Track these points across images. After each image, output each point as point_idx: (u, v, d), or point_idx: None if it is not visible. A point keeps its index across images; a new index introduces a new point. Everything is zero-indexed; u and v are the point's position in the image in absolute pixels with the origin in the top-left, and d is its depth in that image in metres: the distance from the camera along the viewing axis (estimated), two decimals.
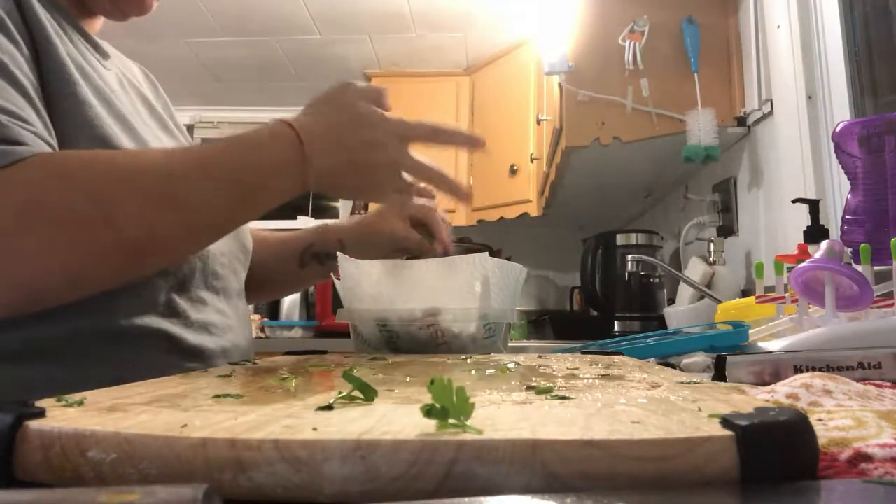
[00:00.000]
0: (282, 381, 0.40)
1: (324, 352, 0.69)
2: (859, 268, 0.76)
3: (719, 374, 0.52)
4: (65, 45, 0.65)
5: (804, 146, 1.41)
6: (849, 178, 0.93)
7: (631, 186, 2.24)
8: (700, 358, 0.61)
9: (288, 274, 0.96)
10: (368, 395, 0.31)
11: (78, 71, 0.64)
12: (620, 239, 2.08)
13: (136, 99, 0.77)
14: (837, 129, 0.94)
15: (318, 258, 0.94)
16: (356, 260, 0.77)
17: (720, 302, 1.26)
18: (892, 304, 0.73)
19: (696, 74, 1.63)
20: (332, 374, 0.48)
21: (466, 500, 0.20)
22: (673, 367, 0.59)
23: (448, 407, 0.24)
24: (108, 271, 0.56)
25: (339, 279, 0.78)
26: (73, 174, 0.54)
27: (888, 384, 0.47)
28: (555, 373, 0.47)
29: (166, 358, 0.65)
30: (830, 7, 1.41)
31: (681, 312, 1.61)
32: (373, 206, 1.37)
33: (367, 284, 0.76)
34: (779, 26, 1.50)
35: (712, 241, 1.70)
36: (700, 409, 0.28)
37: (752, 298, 0.92)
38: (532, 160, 2.54)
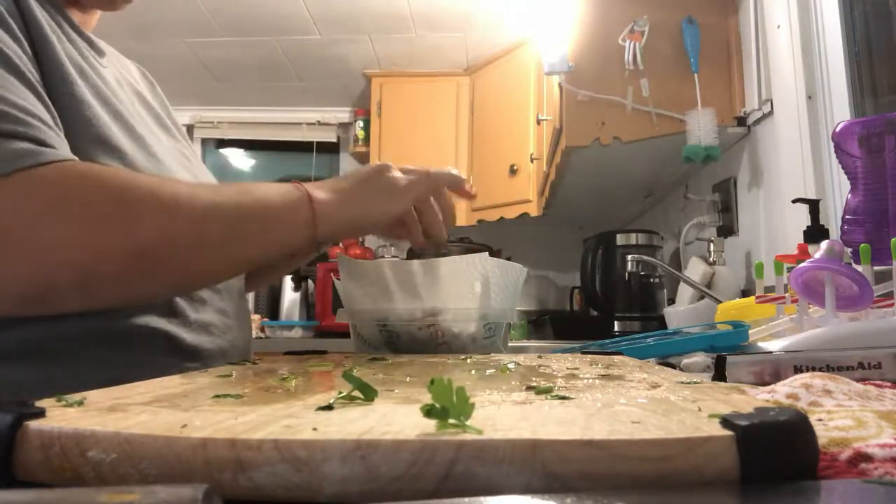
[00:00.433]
0: (282, 381, 0.40)
1: (324, 352, 0.69)
2: (859, 268, 0.76)
3: (719, 374, 0.52)
4: (62, 44, 0.64)
5: (804, 146, 1.41)
6: (849, 178, 0.93)
7: (631, 186, 2.24)
8: (700, 358, 0.61)
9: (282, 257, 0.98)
10: (368, 395, 0.31)
11: (76, 69, 0.64)
12: (620, 239, 2.08)
13: (133, 97, 0.77)
14: (837, 129, 0.93)
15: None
16: (357, 260, 0.77)
17: (720, 302, 1.26)
18: (892, 304, 0.73)
19: (696, 74, 1.63)
20: (332, 374, 0.48)
21: (466, 500, 0.20)
22: (673, 367, 0.59)
23: (448, 407, 0.24)
24: (117, 271, 0.55)
25: (339, 279, 0.78)
26: (105, 181, 0.55)
27: (888, 384, 0.47)
28: (555, 373, 0.47)
29: (165, 358, 0.65)
30: (830, 7, 1.41)
31: (681, 312, 1.61)
32: None
33: (367, 284, 0.76)
34: (779, 26, 1.50)
35: (712, 241, 1.69)
36: (700, 409, 0.28)
37: (752, 298, 0.92)
38: (532, 160, 2.54)
